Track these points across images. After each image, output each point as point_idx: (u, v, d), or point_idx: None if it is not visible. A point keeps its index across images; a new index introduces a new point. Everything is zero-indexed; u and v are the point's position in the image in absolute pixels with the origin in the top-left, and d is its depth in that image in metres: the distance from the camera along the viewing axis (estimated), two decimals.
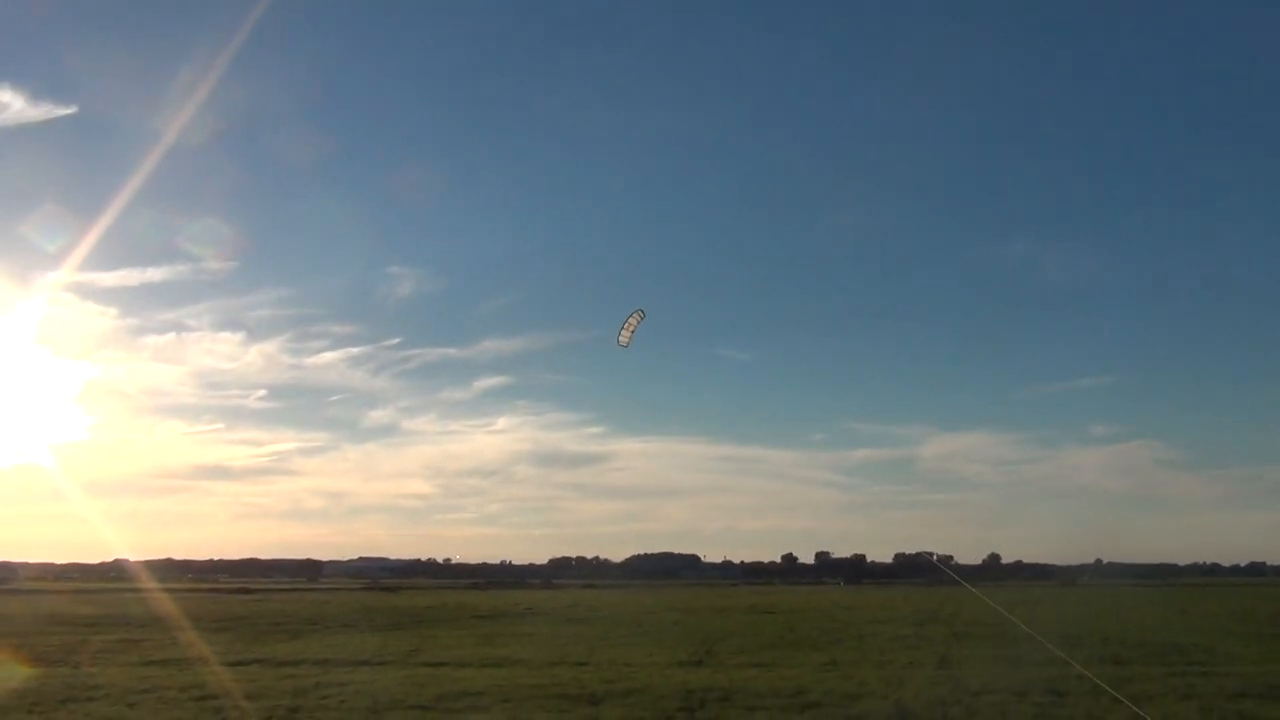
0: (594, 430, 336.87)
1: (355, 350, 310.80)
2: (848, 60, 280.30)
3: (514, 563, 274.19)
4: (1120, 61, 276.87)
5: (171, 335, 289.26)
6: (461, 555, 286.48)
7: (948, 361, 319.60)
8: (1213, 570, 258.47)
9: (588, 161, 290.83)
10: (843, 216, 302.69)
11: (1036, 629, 51.89)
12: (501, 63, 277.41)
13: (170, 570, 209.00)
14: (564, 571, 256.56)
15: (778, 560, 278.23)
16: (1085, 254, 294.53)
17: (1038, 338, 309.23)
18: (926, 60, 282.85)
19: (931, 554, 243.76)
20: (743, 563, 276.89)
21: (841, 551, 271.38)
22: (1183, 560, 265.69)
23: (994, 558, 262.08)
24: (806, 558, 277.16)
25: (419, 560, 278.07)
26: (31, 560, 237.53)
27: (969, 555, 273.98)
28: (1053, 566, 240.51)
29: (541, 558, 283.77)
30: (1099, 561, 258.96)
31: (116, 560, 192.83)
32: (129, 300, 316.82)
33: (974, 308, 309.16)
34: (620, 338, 33.06)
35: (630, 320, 33.17)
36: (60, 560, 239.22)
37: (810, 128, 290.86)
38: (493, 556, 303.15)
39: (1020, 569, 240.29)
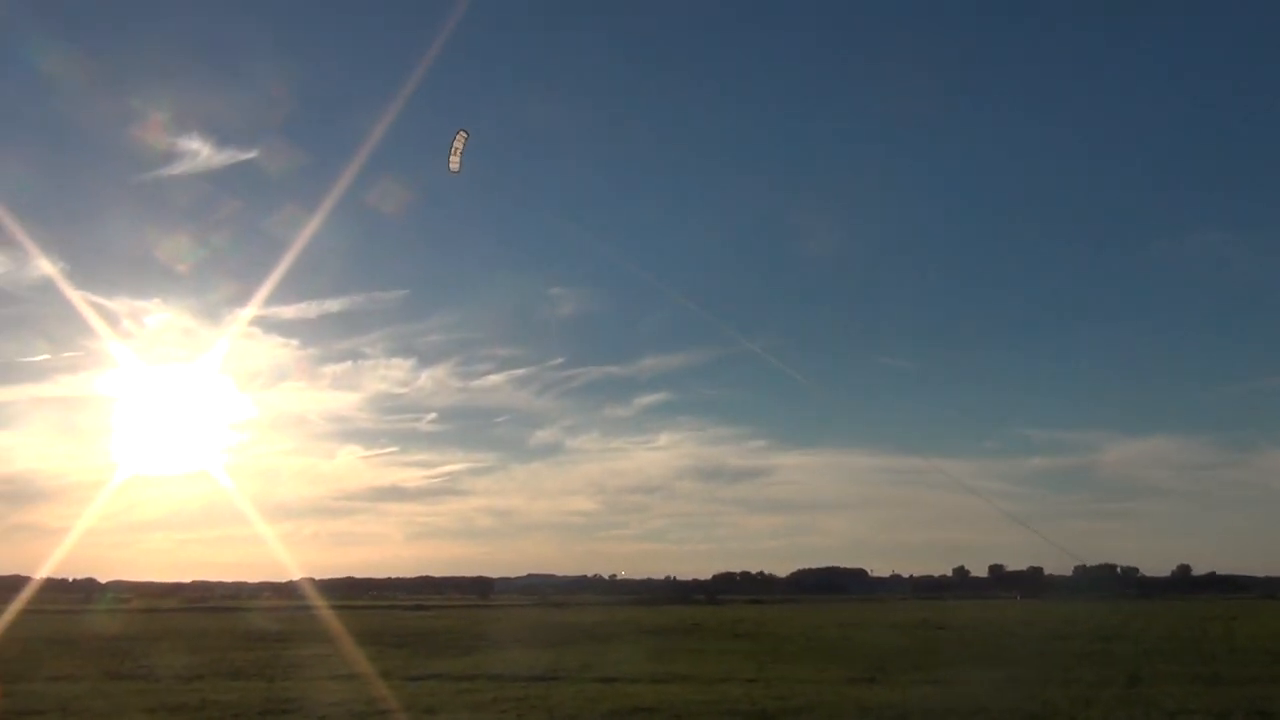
0: (755, 444, 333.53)
1: (520, 372, 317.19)
2: (1026, 54, 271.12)
3: (678, 578, 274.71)
4: None
5: (348, 363, 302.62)
6: (626, 571, 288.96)
7: (1128, 362, 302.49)
8: None
9: (745, 173, 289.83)
10: (1011, 216, 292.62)
11: (1234, 645, 48.88)
12: (658, 84, 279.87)
13: (351, 588, 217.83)
14: (728, 587, 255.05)
15: (949, 574, 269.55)
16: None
17: (1226, 333, 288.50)
18: (1104, 46, 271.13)
19: (1115, 566, 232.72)
20: (911, 577, 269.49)
21: (1017, 564, 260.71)
22: None
23: (1183, 569, 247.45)
24: (979, 571, 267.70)
25: (585, 576, 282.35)
26: (227, 580, 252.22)
27: (1155, 567, 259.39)
28: (1250, 578, 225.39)
29: (705, 573, 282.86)
30: None
31: (302, 579, 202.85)
32: (309, 331, 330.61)
33: (1155, 304, 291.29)
34: (450, 163, 32.60)
35: (455, 144, 32.54)
36: (252, 580, 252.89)
37: (975, 130, 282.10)
38: (657, 572, 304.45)
39: (1214, 581, 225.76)
